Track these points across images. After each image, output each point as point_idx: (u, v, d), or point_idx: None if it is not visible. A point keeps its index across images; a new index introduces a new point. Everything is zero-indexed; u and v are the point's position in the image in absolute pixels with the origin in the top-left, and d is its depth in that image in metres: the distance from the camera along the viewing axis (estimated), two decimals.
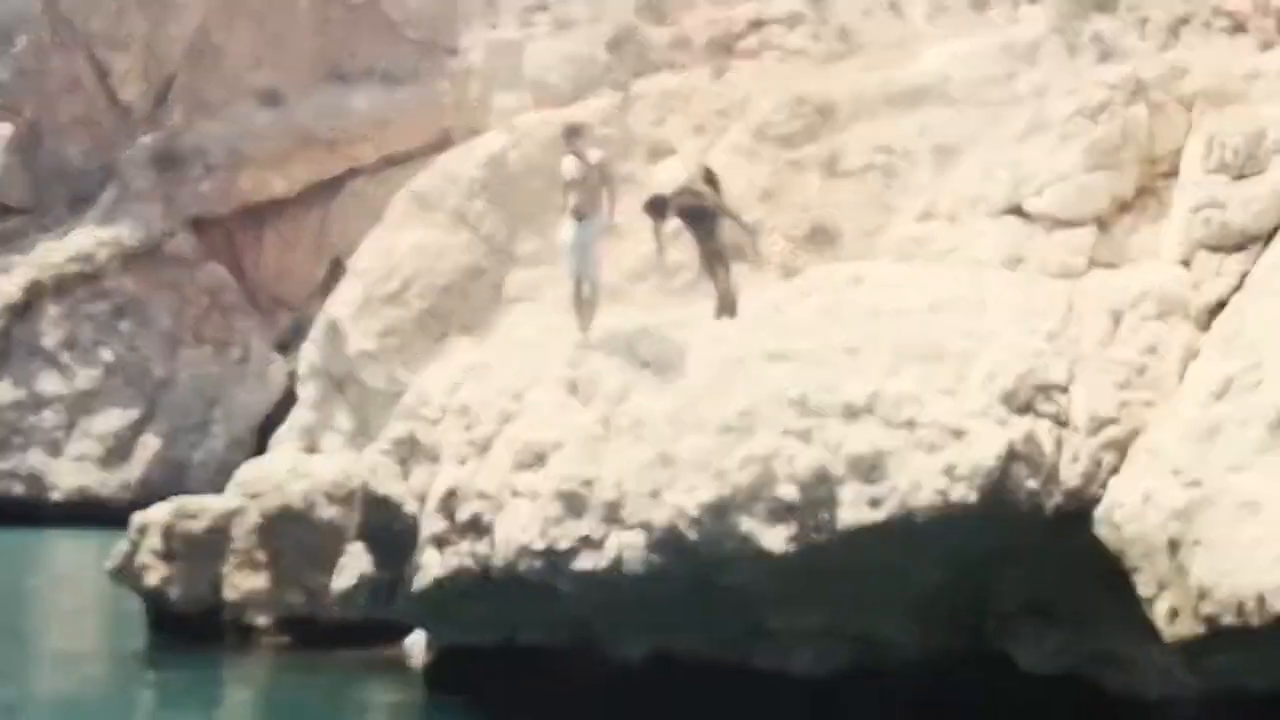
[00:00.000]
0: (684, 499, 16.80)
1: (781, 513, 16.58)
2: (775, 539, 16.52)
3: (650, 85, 32.87)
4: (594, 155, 18.78)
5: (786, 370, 17.24)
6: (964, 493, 16.08)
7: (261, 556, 22.46)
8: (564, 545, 17.17)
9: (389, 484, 18.26)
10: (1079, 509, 16.15)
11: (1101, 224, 18.30)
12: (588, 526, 17.14)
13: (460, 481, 17.97)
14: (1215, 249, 17.02)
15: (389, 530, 18.20)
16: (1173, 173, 18.23)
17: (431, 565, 17.82)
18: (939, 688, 17.38)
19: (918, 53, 28.10)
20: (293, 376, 40.77)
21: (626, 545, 16.92)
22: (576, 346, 18.39)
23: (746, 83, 32.73)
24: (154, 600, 22.94)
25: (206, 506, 22.93)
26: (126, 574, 23.11)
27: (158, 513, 23.18)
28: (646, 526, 16.90)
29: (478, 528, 17.74)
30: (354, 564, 18.58)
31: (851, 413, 16.75)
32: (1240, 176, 17.14)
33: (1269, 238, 16.82)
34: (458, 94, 41.41)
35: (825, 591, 17.08)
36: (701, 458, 16.90)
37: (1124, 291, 17.29)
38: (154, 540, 22.85)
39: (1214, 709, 15.83)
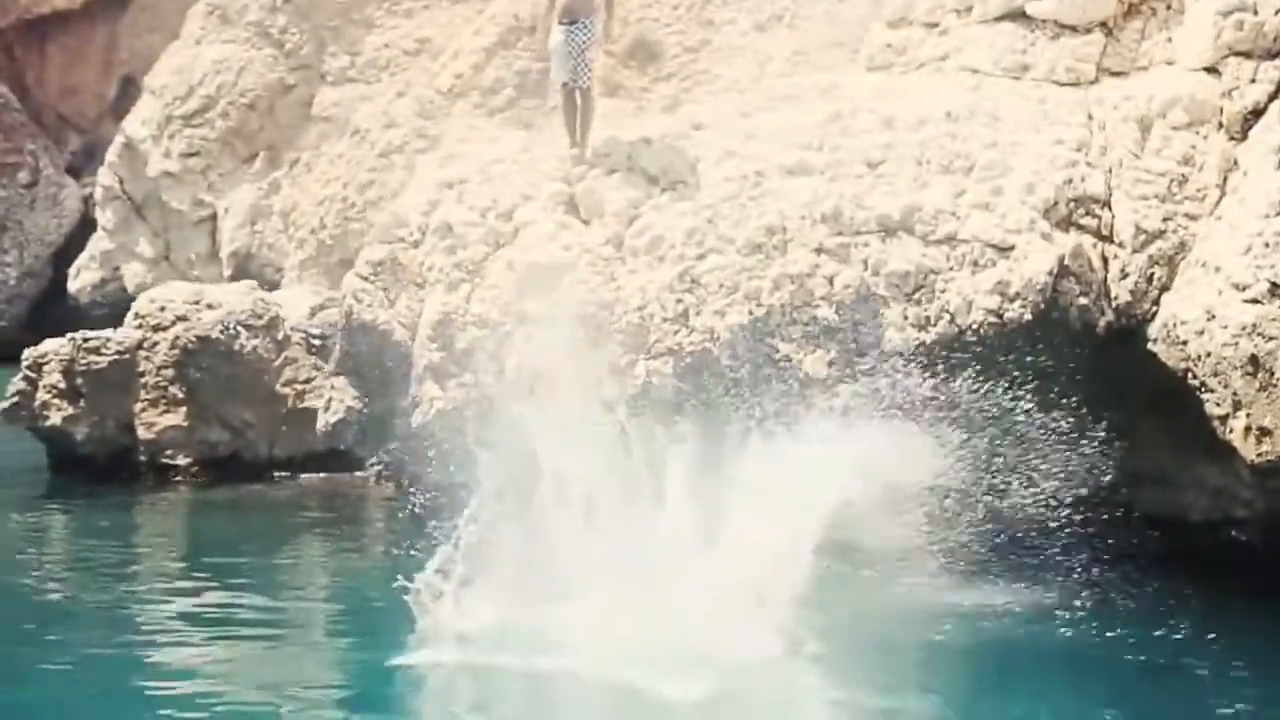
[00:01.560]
0: (714, 322, 15.87)
1: (820, 335, 15.69)
2: (817, 362, 15.65)
3: None
4: None
5: (810, 184, 16.40)
6: (1018, 311, 15.46)
7: (177, 392, 20.90)
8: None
9: (374, 311, 17.00)
10: (1129, 327, 15.65)
11: (1108, 29, 17.51)
12: (610, 354, 16.09)
13: (453, 308, 16.80)
14: (1247, 54, 16.41)
15: (377, 361, 16.95)
16: None
17: (432, 398, 16.62)
18: None
19: None
20: (87, 202, 39.16)
21: (654, 372, 15.89)
22: (573, 161, 17.16)
23: None
24: (56, 441, 21.31)
25: (110, 339, 21.27)
26: (22, 414, 21.36)
27: (54, 347, 21.45)
28: (675, 352, 15.91)
29: (480, 357, 16.60)
30: (339, 398, 17.31)
31: (887, 228, 15.94)
32: None
33: None
34: None
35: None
36: (730, 278, 15.98)
37: (1148, 100, 16.71)
38: (53, 377, 21.17)
39: (1273, 529, 15.37)
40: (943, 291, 15.68)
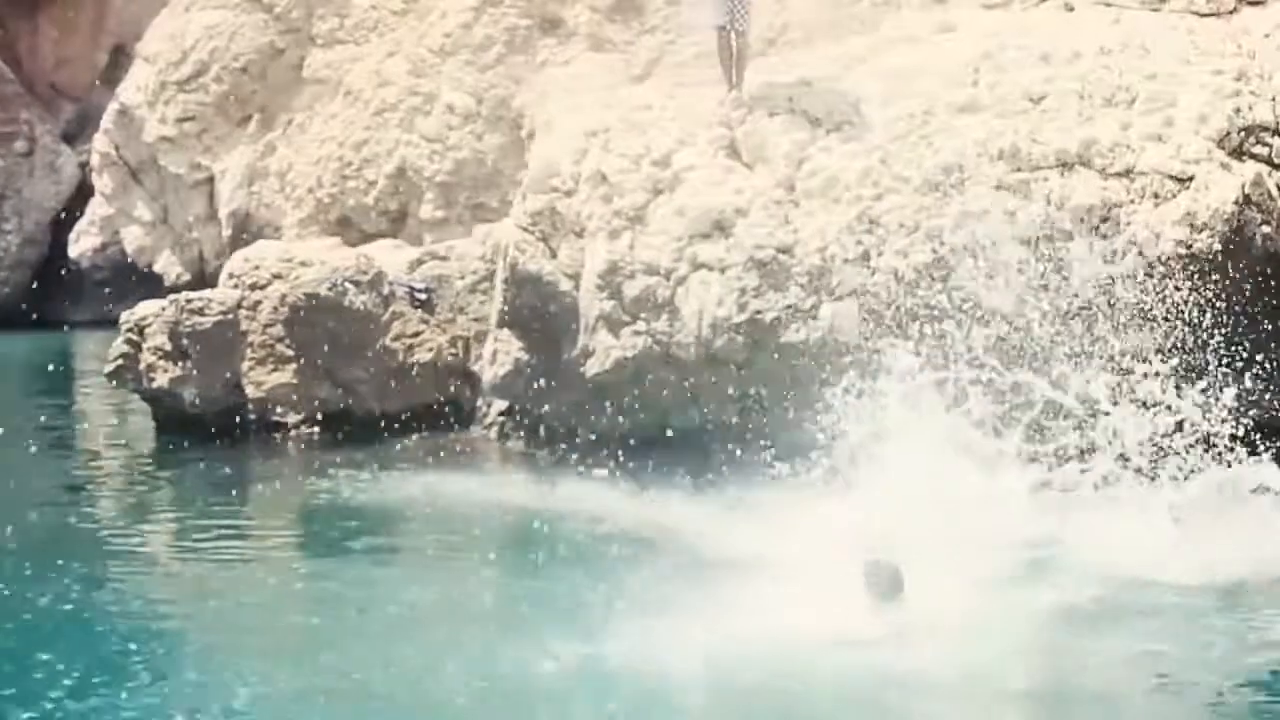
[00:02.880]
0: (899, 262, 15.93)
1: (1001, 272, 15.81)
2: (1001, 299, 15.77)
3: None
4: None
5: (980, 121, 16.41)
6: (1207, 241, 15.64)
7: (285, 349, 20.72)
8: (769, 317, 16.12)
9: (538, 261, 16.91)
10: None
11: None
12: (794, 296, 16.13)
13: (619, 255, 16.75)
14: None
15: (543, 312, 16.90)
16: None
17: (608, 347, 16.59)
18: None
19: None
20: (84, 168, 38.93)
21: (839, 314, 15.94)
22: (732, 104, 17.14)
23: None
24: (162, 402, 21.06)
25: (211, 300, 21.05)
26: (128, 376, 21.13)
27: (153, 309, 21.23)
28: (860, 292, 15.96)
29: (653, 304, 16.58)
30: (505, 349, 17.19)
31: (1065, 163, 16.07)
32: None
33: None
34: None
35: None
36: (910, 218, 16.03)
37: None
38: (159, 339, 20.91)
39: None
40: (1128, 224, 15.80)
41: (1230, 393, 15.51)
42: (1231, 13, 17.62)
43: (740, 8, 17.35)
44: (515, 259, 17.00)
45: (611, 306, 16.80)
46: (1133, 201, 15.97)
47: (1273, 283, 15.96)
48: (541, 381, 17.33)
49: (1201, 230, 15.75)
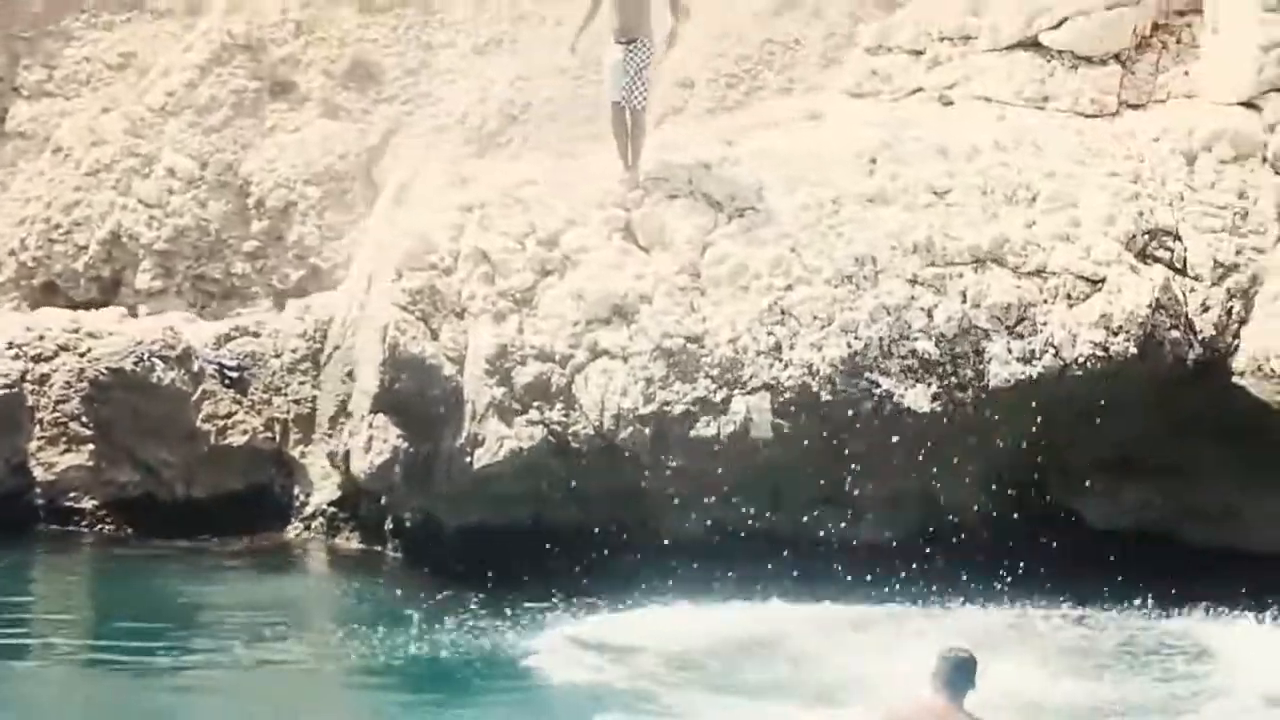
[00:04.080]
0: (813, 355, 15.71)
1: (921, 369, 15.71)
2: (919, 397, 15.65)
3: None
4: None
5: (891, 213, 16.37)
6: (1124, 345, 15.83)
7: (81, 429, 19.46)
8: (677, 410, 15.71)
9: (420, 343, 16.20)
10: (1213, 360, 16.09)
11: (1122, 62, 18.06)
12: (704, 388, 15.75)
13: (508, 339, 16.15)
14: None
15: (423, 397, 16.18)
16: (1192, 10, 18.12)
17: (500, 436, 15.95)
18: (998, 548, 16.73)
19: None
20: None
21: (754, 408, 15.62)
22: (626, 185, 16.71)
23: None
24: None
25: None
26: None
27: None
28: (773, 387, 15.68)
29: (545, 393, 16.01)
30: (381, 437, 16.34)
31: (978, 260, 16.07)
32: None
33: None
34: None
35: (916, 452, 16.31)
36: (823, 311, 15.83)
37: (1188, 134, 17.33)
38: None
39: None
40: (1044, 324, 15.83)
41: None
42: (1115, 115, 17.83)
43: (638, 85, 16.91)
44: (395, 339, 16.24)
45: (502, 394, 16.18)
46: (1046, 301, 16.01)
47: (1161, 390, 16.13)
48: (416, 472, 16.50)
49: (1118, 333, 15.87)
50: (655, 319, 16.09)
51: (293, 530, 19.36)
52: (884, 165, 17.05)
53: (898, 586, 15.82)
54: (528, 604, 15.86)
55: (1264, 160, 17.15)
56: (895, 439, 16.06)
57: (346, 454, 17.34)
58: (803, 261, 16.22)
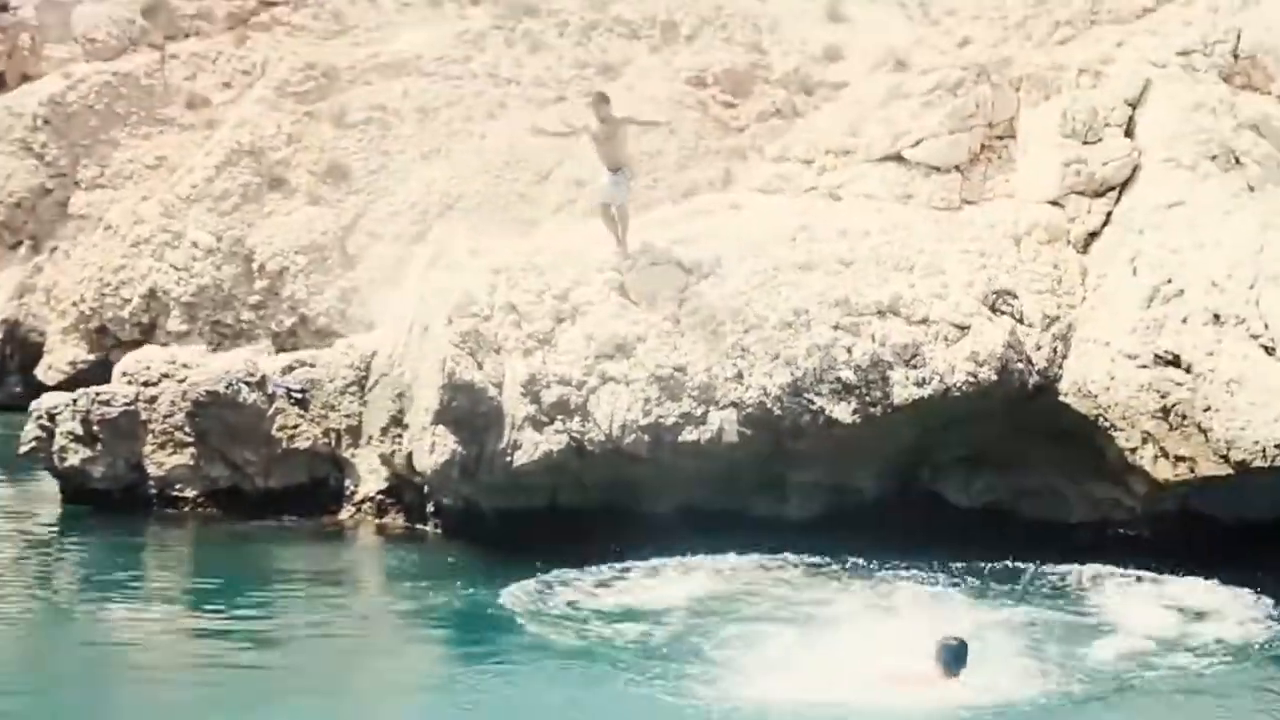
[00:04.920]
0: (766, 381, 15.37)
1: (844, 391, 15.43)
2: (843, 412, 15.39)
3: (182, 47, 32.91)
4: (618, 115, 16.53)
5: (816, 277, 16.11)
6: (988, 374, 15.71)
7: (184, 436, 18.54)
8: (669, 421, 15.26)
9: (471, 372, 15.57)
10: (1043, 385, 16.04)
11: (961, 170, 17.98)
12: (687, 405, 15.32)
13: (535, 370, 15.60)
14: (1083, 193, 17.17)
15: (472, 412, 15.54)
16: (1008, 135, 18.13)
17: (534, 442, 15.38)
18: (888, 522, 16.54)
19: (394, 34, 29.40)
20: None
21: (725, 420, 15.24)
22: (618, 256, 16.24)
23: (263, 49, 31.74)
24: (73, 479, 18.54)
25: (115, 393, 18.69)
26: (40, 455, 18.61)
27: (63, 400, 18.86)
28: (738, 404, 15.31)
29: (567, 409, 15.49)
30: (442, 443, 15.66)
31: (881, 311, 15.84)
32: (1086, 142, 17.37)
33: (1124, 186, 17.07)
34: (9, 44, 37.72)
35: (835, 451, 16.04)
36: (772, 348, 15.51)
37: (1014, 223, 17.35)
38: (71, 425, 18.46)
39: (1148, 524, 16.06)
40: (931, 358, 15.64)
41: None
42: (958, 209, 17.75)
43: (621, 196, 16.43)
44: (452, 369, 15.59)
45: (534, 410, 15.62)
46: (931, 342, 15.82)
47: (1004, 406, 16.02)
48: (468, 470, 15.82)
49: (982, 365, 15.72)
50: (649, 354, 15.66)
51: (346, 512, 18.60)
52: (802, 243, 16.77)
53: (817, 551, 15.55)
54: (543, 565, 15.26)
55: (1068, 242, 17.14)
56: (825, 443, 15.76)
57: (409, 455, 16.57)
58: (755, 312, 15.86)
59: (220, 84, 35.90)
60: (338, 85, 32.22)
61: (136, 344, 33.09)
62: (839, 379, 15.55)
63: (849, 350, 15.62)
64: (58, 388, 31.74)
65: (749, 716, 10.63)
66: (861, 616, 13.11)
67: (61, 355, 32.75)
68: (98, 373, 32.96)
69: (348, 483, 18.86)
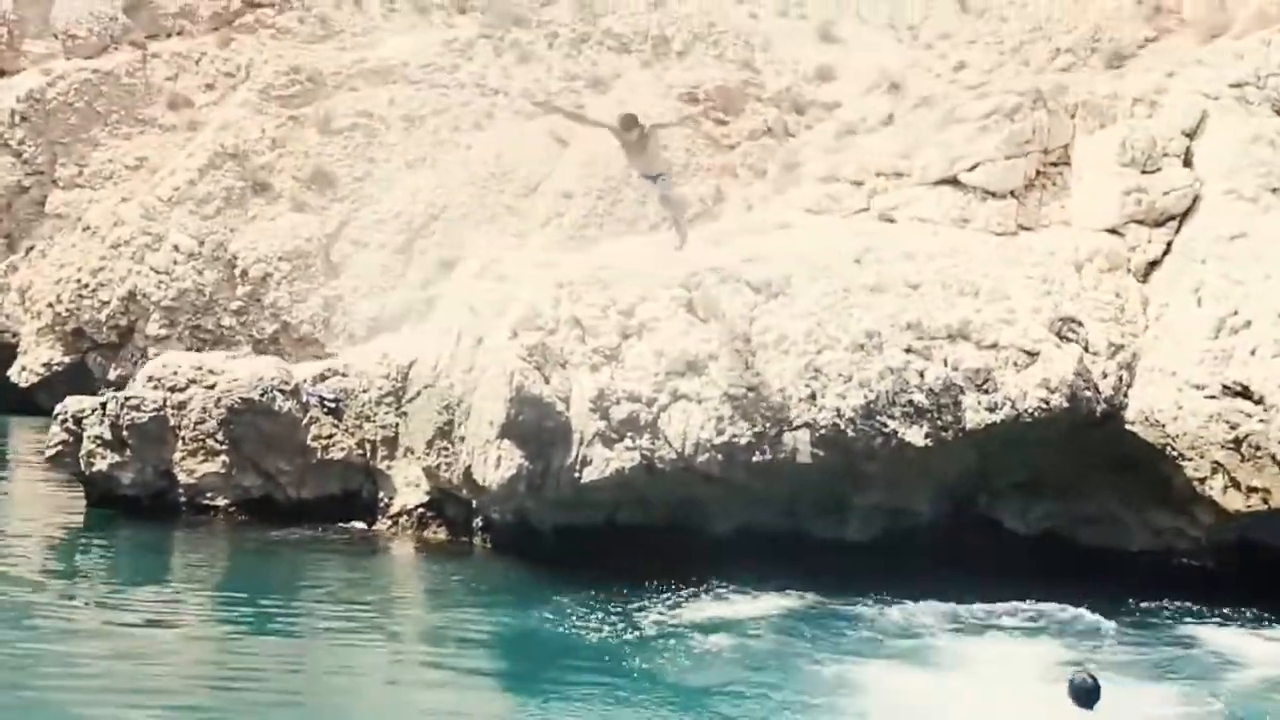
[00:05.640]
0: (839, 403, 15.42)
1: (916, 415, 15.52)
2: (916, 435, 15.47)
3: (164, 46, 32.60)
4: (647, 126, 16.49)
5: (887, 299, 16.16)
6: (1059, 401, 15.84)
7: (216, 444, 18.30)
8: (743, 441, 15.27)
9: (538, 386, 15.50)
10: (1110, 413, 16.21)
11: (1016, 196, 18.11)
12: (761, 425, 15.34)
13: (604, 385, 15.57)
14: (1142, 222, 17.35)
15: (539, 427, 15.47)
16: (1062, 161, 18.32)
17: (605, 458, 15.35)
18: (945, 545, 16.68)
19: (381, 40, 29.18)
20: None
21: (799, 440, 15.26)
22: (689, 273, 16.22)
23: (248, 51, 31.70)
24: (99, 484, 18.23)
25: (145, 397, 18.39)
26: (66, 460, 18.28)
27: (90, 404, 18.54)
28: (811, 425, 15.35)
29: (637, 425, 15.48)
30: (508, 458, 15.55)
31: (951, 336, 15.95)
32: (1145, 171, 17.57)
33: (1184, 216, 17.30)
34: None
35: (896, 475, 16.13)
36: (844, 370, 15.55)
37: (1074, 250, 17.45)
38: (99, 430, 18.17)
39: (1212, 554, 16.26)
40: (1002, 384, 15.74)
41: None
42: (1014, 234, 17.87)
43: (670, 201, 16.46)
44: (520, 383, 15.52)
45: (603, 426, 15.57)
46: (1001, 367, 15.93)
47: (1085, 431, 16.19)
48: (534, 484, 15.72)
49: (1054, 391, 15.86)
50: (722, 373, 15.61)
51: (381, 525, 18.43)
52: (868, 264, 16.84)
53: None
54: (598, 585, 15.23)
55: (1128, 271, 17.32)
56: (894, 466, 15.82)
57: (465, 468, 16.40)
58: (826, 333, 15.89)
59: (203, 85, 35.60)
60: (323, 90, 32.01)
61: (113, 347, 32.76)
62: (911, 402, 15.63)
63: (921, 374, 15.71)
64: (30, 390, 31.30)
65: None
66: (965, 649, 13.15)
67: (36, 357, 32.24)
68: (73, 375, 32.51)
69: (381, 495, 18.70)
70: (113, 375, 32.16)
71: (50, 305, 32.59)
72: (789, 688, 12.16)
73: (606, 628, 14.05)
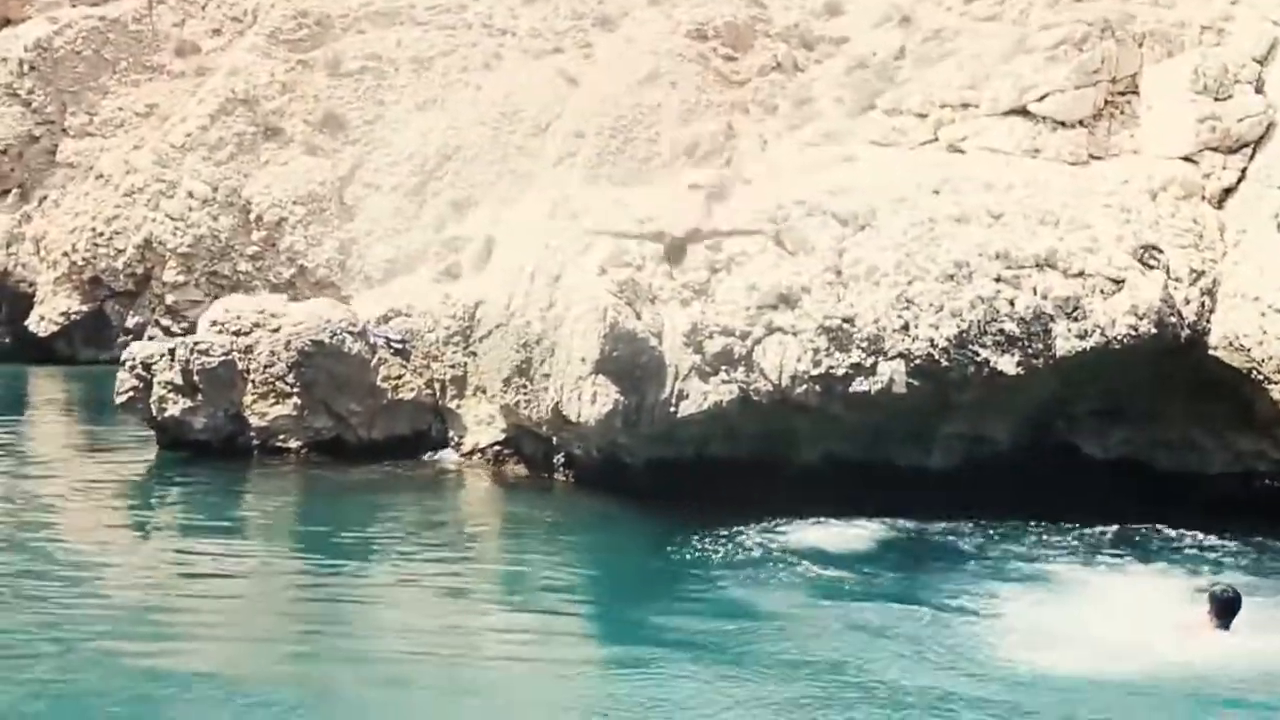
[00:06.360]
0: (932, 333, 15.70)
1: (1007, 343, 15.81)
2: (1007, 364, 15.77)
3: None
4: None
5: (973, 229, 16.40)
6: (1147, 327, 16.17)
7: (286, 386, 18.45)
8: (840, 372, 15.53)
9: (632, 321, 15.72)
10: (1194, 339, 16.50)
11: (1085, 125, 18.35)
12: (857, 356, 15.59)
13: (696, 320, 15.79)
14: (1217, 149, 17.63)
15: (633, 362, 15.70)
16: (1130, 91, 18.56)
17: (702, 392, 15.59)
18: (1023, 472, 16.98)
19: None
20: None
21: (895, 371, 15.54)
22: (776, 206, 16.45)
23: None
24: (171, 430, 18.36)
25: (214, 342, 18.52)
26: (138, 406, 18.41)
27: (158, 349, 18.75)
28: (906, 356, 15.62)
29: (731, 359, 15.72)
30: (604, 394, 15.76)
31: (1039, 264, 16.24)
32: (1218, 98, 17.83)
33: (1258, 142, 17.59)
34: None
35: (980, 403, 16.43)
36: (936, 300, 15.82)
37: (1148, 178, 17.73)
38: (169, 375, 18.30)
39: None
40: (1091, 312, 16.04)
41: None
42: (1085, 164, 18.12)
43: None
44: (614, 319, 15.72)
45: (698, 360, 15.80)
46: (1089, 295, 16.21)
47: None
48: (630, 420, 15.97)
49: (1142, 318, 16.17)
50: (816, 305, 15.86)
51: (450, 464, 18.68)
52: (947, 195, 17.07)
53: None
54: (692, 516, 15.46)
55: (1203, 198, 17.61)
56: (983, 395, 16.12)
57: (553, 405, 16.55)
58: (916, 264, 16.14)
59: (210, 30, 35.56)
60: (331, 33, 32.12)
61: (130, 295, 32.76)
62: (1003, 331, 15.94)
63: (1011, 303, 16.00)
64: (49, 340, 31.26)
65: (1064, 679, 10.72)
66: (1077, 574, 13.49)
67: (53, 306, 32.23)
68: (90, 324, 32.48)
69: (451, 434, 18.92)
70: (131, 323, 32.24)
71: (66, 254, 32.52)
72: (918, 615, 12.41)
73: (713, 555, 14.35)
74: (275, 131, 33.32)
